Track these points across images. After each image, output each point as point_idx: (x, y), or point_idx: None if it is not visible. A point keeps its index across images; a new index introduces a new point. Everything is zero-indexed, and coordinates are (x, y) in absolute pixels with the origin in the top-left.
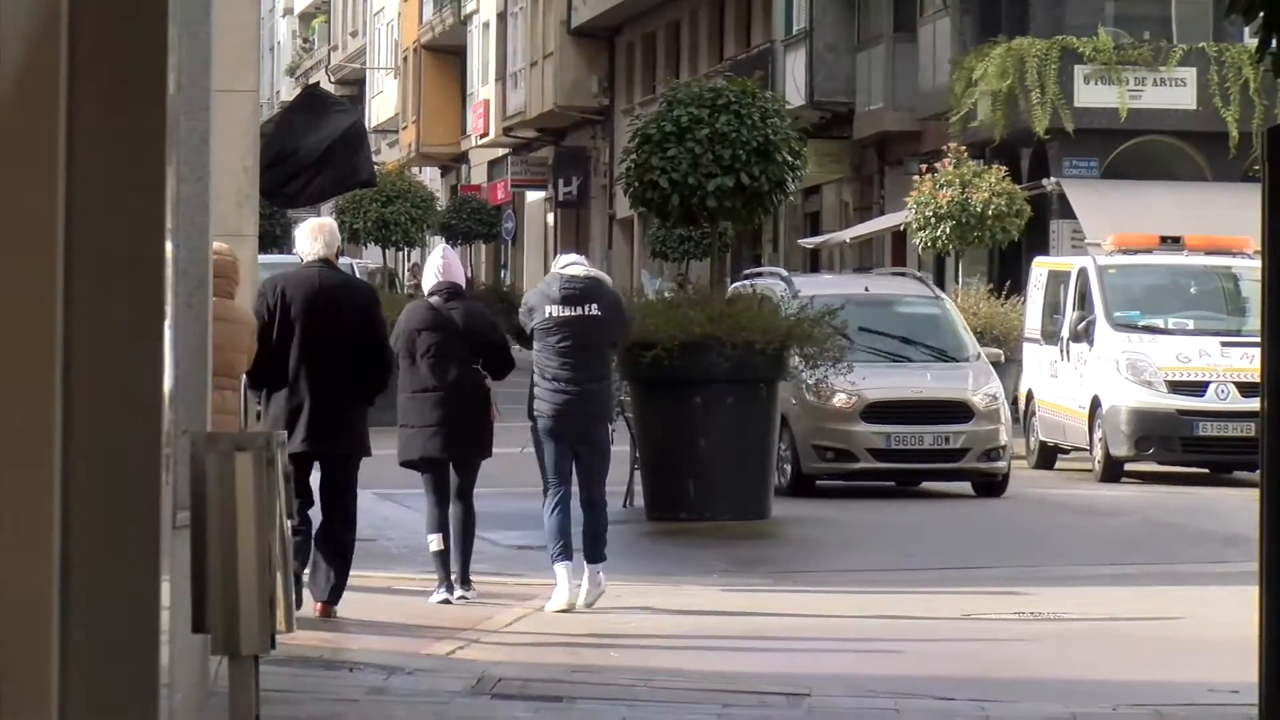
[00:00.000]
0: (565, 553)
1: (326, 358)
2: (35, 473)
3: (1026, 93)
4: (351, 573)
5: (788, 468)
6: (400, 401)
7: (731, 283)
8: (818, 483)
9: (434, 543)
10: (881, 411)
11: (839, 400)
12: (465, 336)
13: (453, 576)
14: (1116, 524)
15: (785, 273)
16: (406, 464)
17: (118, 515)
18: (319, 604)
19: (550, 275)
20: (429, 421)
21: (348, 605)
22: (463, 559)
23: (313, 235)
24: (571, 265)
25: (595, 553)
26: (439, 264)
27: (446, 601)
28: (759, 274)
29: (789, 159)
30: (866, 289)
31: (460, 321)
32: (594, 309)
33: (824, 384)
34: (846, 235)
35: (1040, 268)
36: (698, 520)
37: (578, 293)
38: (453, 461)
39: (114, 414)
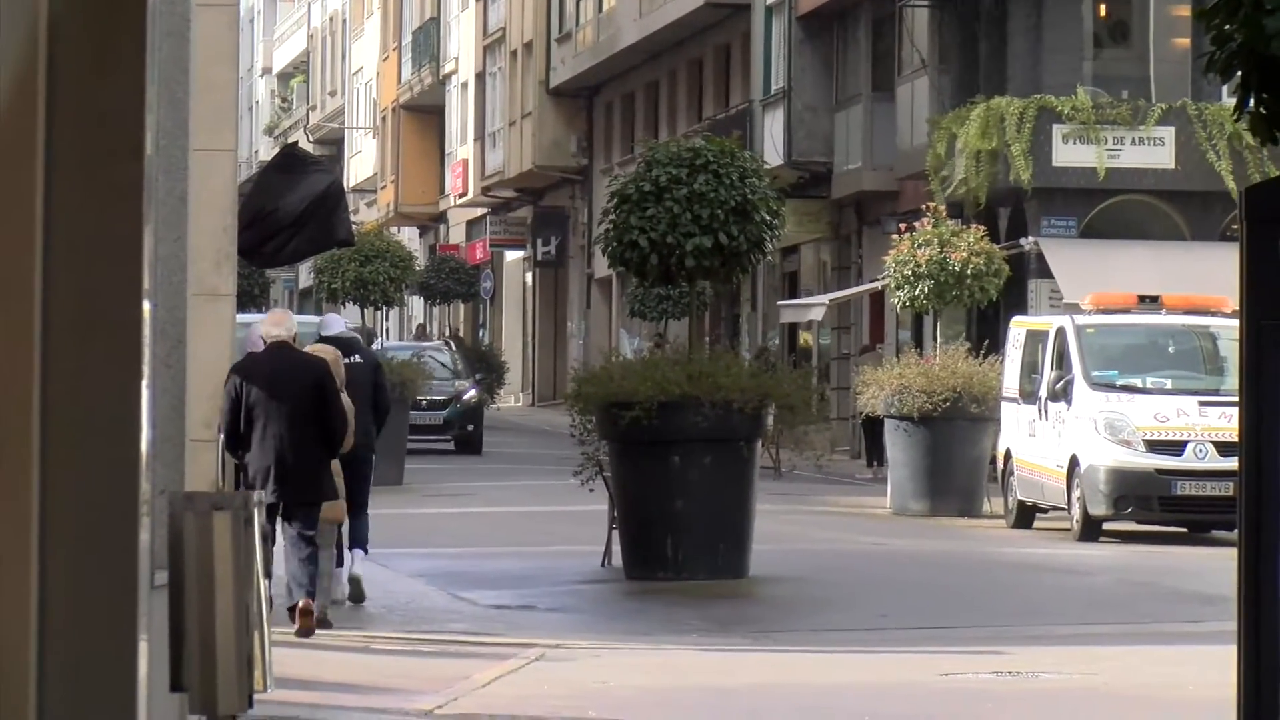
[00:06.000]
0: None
1: (286, 424)
2: (11, 532)
3: (1008, 149)
4: (329, 632)
5: None
6: None
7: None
8: None
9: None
10: None
11: None
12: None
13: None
14: (1094, 583)
15: None
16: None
17: (95, 575)
18: (302, 602)
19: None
20: None
21: (325, 665)
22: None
23: (273, 323)
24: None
25: None
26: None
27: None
28: None
29: (767, 218)
30: None
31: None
32: (355, 359)
33: None
34: (825, 298)
35: (1018, 327)
36: (675, 580)
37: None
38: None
39: (91, 474)
